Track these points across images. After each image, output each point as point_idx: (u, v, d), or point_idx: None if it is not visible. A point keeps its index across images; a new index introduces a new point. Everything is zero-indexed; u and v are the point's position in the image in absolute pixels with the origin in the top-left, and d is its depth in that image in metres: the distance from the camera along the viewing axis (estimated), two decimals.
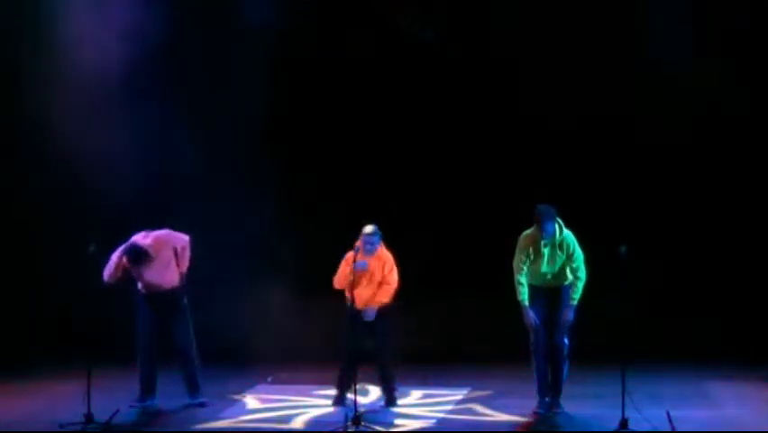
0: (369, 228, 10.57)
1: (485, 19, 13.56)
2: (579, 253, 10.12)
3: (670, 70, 13.13)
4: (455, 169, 13.69)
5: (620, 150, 13.40)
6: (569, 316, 10.12)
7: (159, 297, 10.50)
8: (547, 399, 10.19)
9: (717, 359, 12.44)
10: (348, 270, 10.47)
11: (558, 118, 13.45)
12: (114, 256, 10.42)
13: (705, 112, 13.28)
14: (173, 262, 10.54)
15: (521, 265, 10.12)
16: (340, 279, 10.62)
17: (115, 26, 13.04)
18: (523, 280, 10.12)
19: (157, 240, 10.49)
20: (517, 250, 10.18)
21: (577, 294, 10.13)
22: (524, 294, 10.10)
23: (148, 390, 10.58)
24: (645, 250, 11.38)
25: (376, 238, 10.55)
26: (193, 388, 10.61)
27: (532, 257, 10.10)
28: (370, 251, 10.53)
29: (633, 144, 13.41)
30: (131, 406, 10.44)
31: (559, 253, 10.07)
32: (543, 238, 10.01)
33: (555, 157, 12.87)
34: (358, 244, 10.52)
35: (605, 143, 13.38)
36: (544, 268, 10.08)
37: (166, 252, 10.51)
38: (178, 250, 10.57)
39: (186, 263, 10.63)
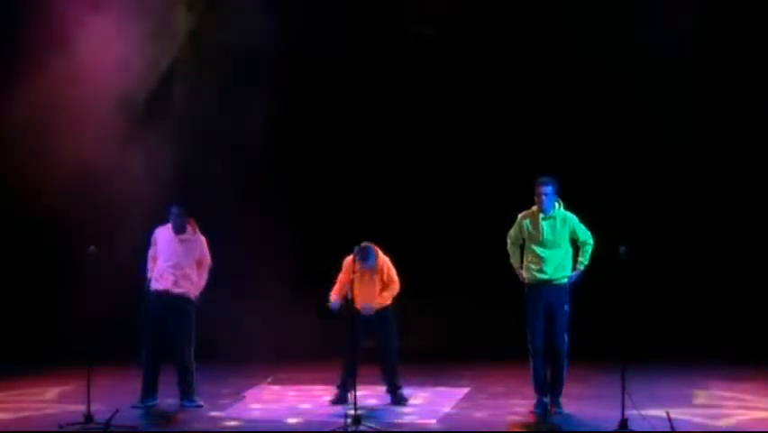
0: (363, 248, 10.48)
1: (481, 16, 13.59)
2: (579, 223, 10.16)
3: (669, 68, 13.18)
4: (455, 171, 13.71)
5: (619, 152, 13.42)
6: (573, 278, 10.10)
7: (168, 299, 10.51)
8: (545, 399, 10.18)
9: (717, 359, 12.45)
10: (346, 278, 10.51)
11: (555, 120, 13.49)
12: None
13: (705, 112, 13.32)
14: (193, 270, 10.59)
15: (511, 239, 10.21)
16: (337, 290, 10.63)
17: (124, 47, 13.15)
18: (513, 249, 10.22)
19: (196, 233, 10.56)
20: (513, 226, 10.24)
21: (586, 258, 10.13)
22: (515, 259, 10.21)
23: (150, 390, 10.58)
24: (645, 250, 11.40)
25: (371, 260, 10.55)
26: (187, 392, 10.60)
27: (527, 233, 10.11)
28: (370, 266, 10.55)
29: (632, 146, 13.43)
30: (132, 406, 10.44)
31: (560, 227, 10.09)
32: (543, 206, 10.03)
33: (554, 158, 12.84)
34: (356, 255, 10.51)
35: (603, 145, 13.40)
36: (542, 243, 10.05)
37: (194, 252, 10.57)
38: (204, 263, 10.65)
39: (203, 282, 10.67)
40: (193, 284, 10.59)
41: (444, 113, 13.78)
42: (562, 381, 10.21)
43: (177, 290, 10.52)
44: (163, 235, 10.63)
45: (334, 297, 10.64)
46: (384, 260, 10.64)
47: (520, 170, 12.32)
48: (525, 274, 10.17)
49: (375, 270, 10.54)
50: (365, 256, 10.45)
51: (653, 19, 13.09)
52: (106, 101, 13.16)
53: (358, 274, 10.47)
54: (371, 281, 10.59)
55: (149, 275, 10.63)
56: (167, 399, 10.72)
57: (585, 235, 10.16)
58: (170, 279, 10.50)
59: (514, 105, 13.58)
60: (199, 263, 10.65)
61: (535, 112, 13.55)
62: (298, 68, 13.66)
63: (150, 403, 10.55)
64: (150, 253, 10.68)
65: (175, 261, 10.53)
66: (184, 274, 10.54)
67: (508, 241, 10.28)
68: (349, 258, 10.54)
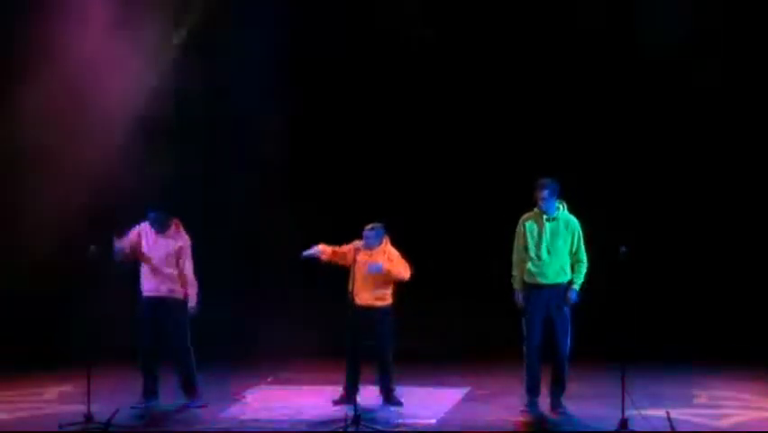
0: (375, 225, 10.58)
1: (479, 15, 13.60)
2: (581, 237, 10.12)
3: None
4: (456, 171, 13.70)
5: (619, 151, 13.42)
6: (572, 297, 10.07)
7: (158, 301, 10.51)
8: (536, 398, 10.19)
9: (717, 359, 12.44)
10: (348, 252, 10.50)
11: (557, 120, 13.48)
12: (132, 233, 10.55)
13: (704, 111, 13.34)
14: (175, 269, 10.58)
15: (518, 255, 10.15)
16: (336, 250, 10.59)
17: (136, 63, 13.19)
18: (516, 272, 10.17)
19: (180, 233, 10.56)
20: (516, 235, 10.20)
21: (580, 277, 10.10)
22: (516, 281, 10.17)
23: (150, 390, 10.58)
24: (645, 250, 11.40)
25: (373, 233, 10.53)
26: (190, 392, 10.61)
27: (530, 234, 10.07)
28: (369, 245, 10.54)
29: (632, 145, 13.44)
30: (132, 407, 10.43)
31: (563, 230, 10.06)
32: (543, 209, 10.00)
33: (555, 158, 12.86)
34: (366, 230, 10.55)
35: (603, 144, 13.41)
36: (544, 245, 10.03)
37: (174, 251, 10.56)
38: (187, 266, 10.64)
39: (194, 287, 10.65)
40: (178, 283, 10.57)
41: (444, 114, 13.77)
42: (564, 382, 10.20)
43: (164, 292, 10.53)
44: (146, 235, 10.58)
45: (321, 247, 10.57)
46: (393, 251, 10.62)
47: (521, 169, 12.37)
48: (525, 278, 10.15)
49: (379, 250, 10.50)
50: (370, 227, 10.49)
51: (653, 18, 13.10)
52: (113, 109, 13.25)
53: (360, 263, 10.43)
54: (375, 280, 10.53)
55: (116, 244, 10.46)
56: (167, 399, 10.71)
57: (581, 252, 10.13)
58: (155, 281, 10.52)
59: (515, 105, 13.57)
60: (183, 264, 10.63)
61: (537, 111, 13.54)
62: (299, 71, 13.68)
63: (151, 404, 10.55)
64: (128, 239, 10.50)
65: (156, 262, 10.52)
66: (167, 274, 10.54)
67: (515, 255, 10.22)
68: (358, 242, 10.54)
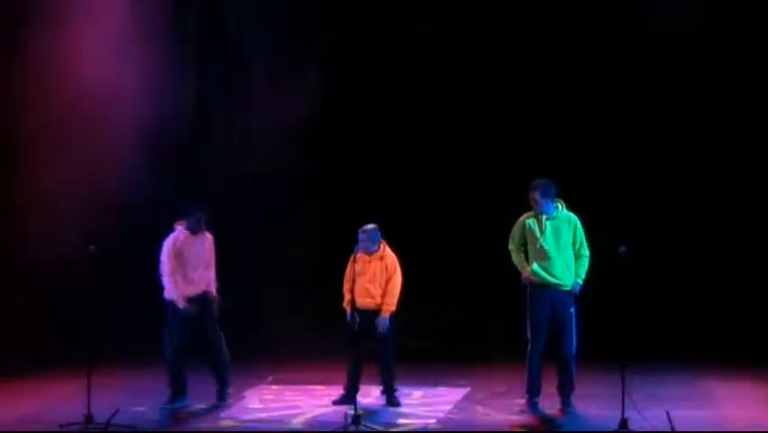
0: (367, 227, 10.53)
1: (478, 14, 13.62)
2: (582, 231, 10.11)
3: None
4: (457, 170, 13.71)
5: (619, 151, 13.42)
6: (575, 289, 10.07)
7: (199, 301, 10.53)
8: (537, 399, 10.19)
9: (717, 359, 12.45)
10: (350, 273, 10.48)
11: (555, 118, 13.49)
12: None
13: (703, 111, 13.35)
14: (212, 268, 10.65)
15: (514, 242, 10.14)
16: (350, 286, 10.55)
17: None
18: (516, 252, 10.14)
19: (206, 231, 10.60)
20: (514, 228, 10.17)
21: (583, 270, 10.09)
22: (521, 265, 10.10)
23: (180, 391, 10.55)
24: (645, 250, 11.41)
25: (367, 237, 10.48)
26: (224, 388, 10.65)
27: (531, 232, 10.03)
28: (371, 249, 10.49)
29: (632, 145, 13.44)
30: (161, 408, 10.42)
31: (565, 227, 10.03)
32: (538, 212, 9.99)
33: (555, 157, 12.87)
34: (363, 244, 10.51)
35: (603, 143, 13.41)
36: (548, 244, 9.98)
37: (208, 251, 10.62)
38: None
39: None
40: (212, 281, 10.67)
41: (447, 112, 13.77)
42: (573, 382, 10.18)
43: (207, 291, 10.57)
44: (182, 243, 10.53)
45: (350, 307, 10.52)
46: (392, 255, 10.58)
47: (522, 168, 12.39)
48: (531, 277, 10.11)
49: (377, 255, 10.47)
50: (369, 229, 10.43)
51: (651, 17, 13.11)
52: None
53: (359, 266, 10.41)
54: (374, 282, 10.52)
55: (172, 293, 10.44)
56: (165, 398, 10.72)
57: (583, 247, 10.13)
58: (200, 283, 10.53)
59: (517, 104, 13.58)
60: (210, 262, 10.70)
61: (538, 110, 13.55)
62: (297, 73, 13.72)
63: (181, 404, 10.51)
64: (172, 267, 10.45)
65: (200, 264, 10.55)
66: (207, 274, 10.59)
67: (511, 244, 10.24)
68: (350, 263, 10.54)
